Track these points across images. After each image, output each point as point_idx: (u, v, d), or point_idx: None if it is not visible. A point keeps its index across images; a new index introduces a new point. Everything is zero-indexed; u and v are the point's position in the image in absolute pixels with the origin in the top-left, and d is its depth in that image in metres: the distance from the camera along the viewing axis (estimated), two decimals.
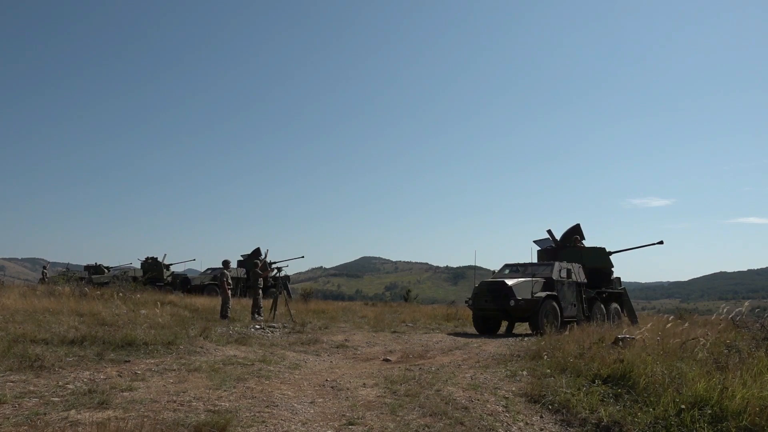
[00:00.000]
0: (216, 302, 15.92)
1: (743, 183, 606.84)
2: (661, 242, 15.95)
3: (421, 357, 9.16)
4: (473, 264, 16.45)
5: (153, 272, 28.38)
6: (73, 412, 4.64)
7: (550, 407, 5.46)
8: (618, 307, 15.79)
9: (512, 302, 12.77)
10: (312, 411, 5.19)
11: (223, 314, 13.28)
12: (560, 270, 14.05)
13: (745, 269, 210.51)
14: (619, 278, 16.61)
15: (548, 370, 6.88)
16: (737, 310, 9.59)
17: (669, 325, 9.22)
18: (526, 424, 5.03)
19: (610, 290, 15.73)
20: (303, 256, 23.47)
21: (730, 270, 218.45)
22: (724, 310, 9.57)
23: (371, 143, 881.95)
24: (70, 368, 6.38)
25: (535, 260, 16.24)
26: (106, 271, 29.40)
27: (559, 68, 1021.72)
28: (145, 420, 4.47)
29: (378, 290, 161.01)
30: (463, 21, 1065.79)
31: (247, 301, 18.26)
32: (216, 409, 4.95)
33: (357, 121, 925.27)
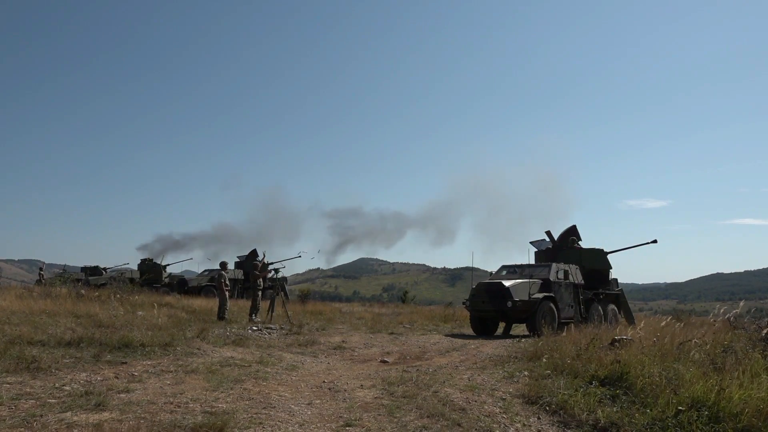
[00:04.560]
0: (213, 304, 15.92)
1: (739, 184, 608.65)
2: (654, 241, 16.03)
3: (418, 358, 9.15)
4: (470, 265, 16.46)
5: (150, 273, 28.34)
6: (69, 413, 4.62)
7: (547, 408, 5.46)
8: (615, 308, 15.81)
9: (509, 303, 12.78)
10: (309, 412, 5.18)
11: (221, 316, 13.27)
12: (557, 271, 14.07)
13: (742, 270, 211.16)
14: (616, 279, 16.65)
15: (546, 371, 6.89)
16: (734, 311, 9.64)
17: (664, 323, 9.25)
18: (524, 425, 5.03)
19: (608, 291, 15.75)
20: (300, 255, 23.30)
21: (726, 271, 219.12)
22: (721, 311, 9.61)
23: (369, 142, 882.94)
24: (66, 370, 6.36)
25: (532, 262, 16.26)
26: (103, 272, 29.31)
27: (555, 68, 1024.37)
28: (142, 421, 4.47)
29: (375, 291, 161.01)
30: (457, 23, 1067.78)
31: (245, 303, 18.25)
32: (213, 410, 4.94)
33: (354, 121, 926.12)
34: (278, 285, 14.99)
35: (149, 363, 7.12)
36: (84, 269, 29.74)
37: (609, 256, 16.25)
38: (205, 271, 27.32)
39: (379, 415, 5.10)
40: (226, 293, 13.53)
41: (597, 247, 16.34)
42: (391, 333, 13.60)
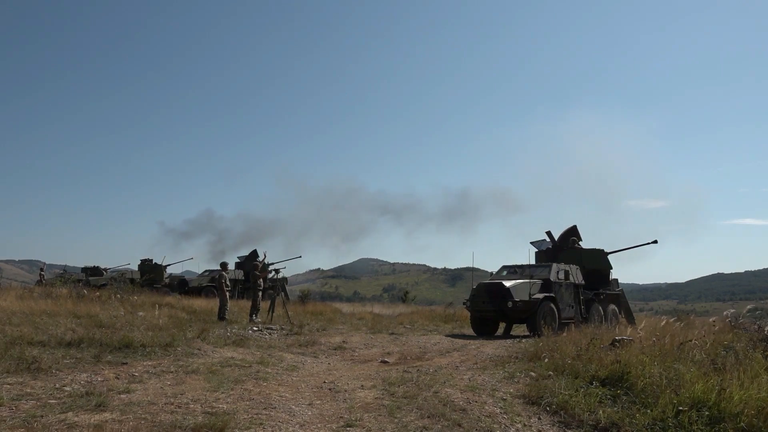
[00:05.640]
0: (214, 304, 15.91)
1: (739, 184, 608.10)
2: (655, 241, 16.08)
3: (418, 358, 9.15)
4: (471, 266, 16.43)
5: (151, 274, 28.34)
6: (70, 414, 4.63)
7: (548, 409, 5.46)
8: (615, 308, 15.81)
9: (510, 303, 12.77)
10: (310, 413, 5.18)
11: (221, 316, 13.28)
12: (558, 271, 14.06)
13: (743, 270, 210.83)
14: (616, 279, 16.67)
15: (546, 372, 6.89)
16: (738, 312, 9.66)
17: (663, 323, 9.25)
18: (524, 425, 5.03)
19: (608, 291, 15.76)
20: (300, 256, 23.38)
21: (727, 271, 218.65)
22: (724, 312, 9.64)
23: (367, 142, 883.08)
24: (67, 370, 6.36)
25: (532, 262, 16.26)
26: (103, 272, 29.33)
27: (555, 68, 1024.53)
28: (143, 422, 4.47)
29: (376, 292, 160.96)
30: (449, 26, 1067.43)
31: (245, 303, 18.25)
32: (213, 411, 4.95)
33: (354, 118, 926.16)
34: (279, 285, 15.00)
35: (150, 363, 7.12)
36: (84, 270, 29.76)
37: (609, 257, 16.27)
38: (206, 271, 27.33)
39: (380, 415, 5.10)
40: (227, 294, 13.54)
41: (597, 247, 16.37)
42: (392, 333, 13.60)
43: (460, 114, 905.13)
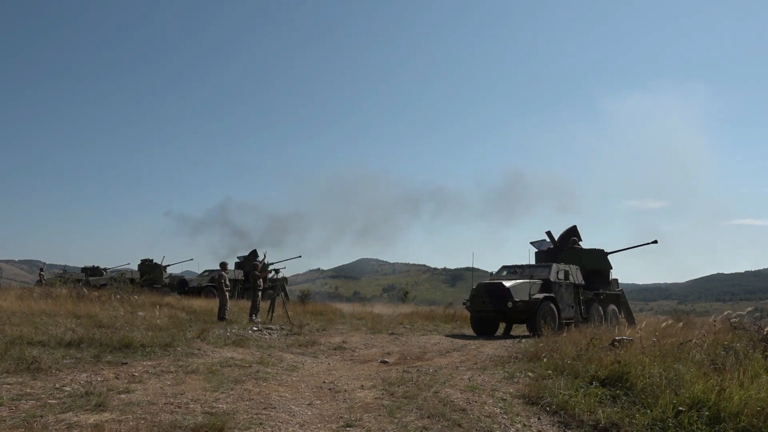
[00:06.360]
0: (213, 304, 15.92)
1: (739, 184, 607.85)
2: (655, 241, 16.11)
3: (418, 359, 9.15)
4: (471, 266, 16.44)
5: (151, 274, 28.34)
6: (70, 414, 4.63)
7: (548, 409, 5.46)
8: (615, 308, 15.83)
9: (510, 304, 12.78)
10: (309, 413, 5.18)
11: (221, 316, 13.28)
12: (558, 272, 14.07)
13: (743, 271, 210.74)
14: (616, 280, 16.68)
15: (546, 372, 6.89)
16: (738, 313, 9.68)
17: (664, 324, 9.25)
18: (524, 425, 5.03)
19: (608, 292, 15.77)
20: (300, 256, 23.35)
21: (727, 272, 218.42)
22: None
23: (367, 142, 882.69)
24: (67, 370, 6.37)
25: (532, 262, 16.27)
26: (103, 272, 29.34)
27: (554, 67, 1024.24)
28: (142, 422, 4.47)
29: (376, 292, 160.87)
30: (447, 26, 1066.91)
31: (245, 303, 18.25)
32: (213, 411, 4.94)
33: (353, 118, 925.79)
34: (278, 285, 15.00)
35: (149, 363, 7.13)
36: (84, 270, 29.77)
37: (609, 257, 16.28)
38: (206, 271, 27.33)
39: (380, 415, 5.10)
40: (227, 294, 13.54)
41: (597, 247, 16.39)
42: (392, 333, 13.60)
43: (482, 106, 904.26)
